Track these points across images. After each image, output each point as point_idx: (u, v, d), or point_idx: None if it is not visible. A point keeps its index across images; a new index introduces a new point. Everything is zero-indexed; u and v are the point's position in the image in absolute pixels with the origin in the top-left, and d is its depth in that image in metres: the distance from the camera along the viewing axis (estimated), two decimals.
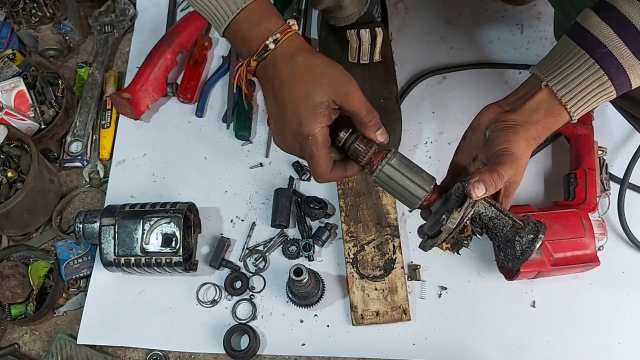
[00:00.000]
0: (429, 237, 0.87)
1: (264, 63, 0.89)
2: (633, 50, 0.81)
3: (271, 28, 0.87)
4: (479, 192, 0.80)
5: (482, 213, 0.84)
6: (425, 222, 0.91)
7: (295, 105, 0.86)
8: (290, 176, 1.29)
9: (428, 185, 0.85)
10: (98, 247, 1.17)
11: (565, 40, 0.86)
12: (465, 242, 0.85)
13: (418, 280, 1.20)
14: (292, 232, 1.25)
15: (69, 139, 1.35)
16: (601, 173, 1.22)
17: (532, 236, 0.82)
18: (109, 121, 1.37)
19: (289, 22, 0.89)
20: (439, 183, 0.91)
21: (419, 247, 0.88)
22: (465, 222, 0.82)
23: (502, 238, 0.84)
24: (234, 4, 0.87)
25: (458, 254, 0.97)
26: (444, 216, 0.82)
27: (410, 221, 1.25)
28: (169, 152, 1.34)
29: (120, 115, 1.37)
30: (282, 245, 1.24)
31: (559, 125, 0.87)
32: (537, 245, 0.82)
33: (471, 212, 0.82)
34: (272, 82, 0.89)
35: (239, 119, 1.33)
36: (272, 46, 0.87)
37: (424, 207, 0.88)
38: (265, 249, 1.24)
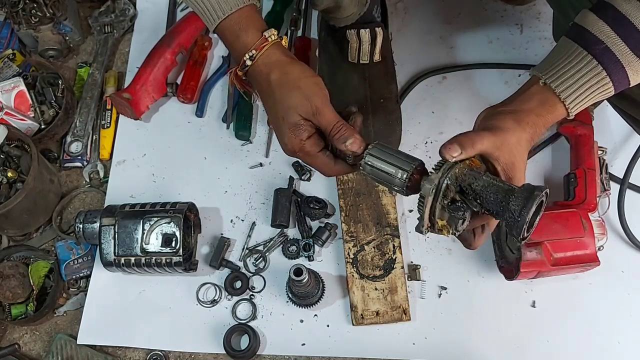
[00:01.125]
0: (420, 219, 0.83)
1: (249, 74, 0.93)
2: (631, 46, 0.81)
3: (248, 43, 0.90)
4: (452, 152, 0.79)
5: (473, 184, 0.80)
6: None
7: (276, 124, 0.92)
8: (290, 176, 1.29)
9: (409, 166, 0.84)
10: (98, 247, 1.17)
11: (564, 40, 0.86)
12: (459, 216, 0.80)
13: (418, 280, 1.20)
14: (292, 232, 1.25)
15: (69, 139, 1.35)
16: (601, 173, 1.22)
17: (527, 194, 0.76)
18: (109, 121, 1.37)
19: (264, 35, 0.90)
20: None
21: (415, 229, 0.85)
22: (448, 185, 0.79)
23: (496, 203, 0.78)
24: (220, 9, 0.89)
25: (455, 234, 0.84)
26: (423, 183, 0.80)
27: (410, 221, 1.25)
28: (169, 152, 1.34)
29: (120, 115, 1.37)
30: (282, 245, 1.24)
31: (556, 118, 0.86)
32: (535, 204, 0.75)
33: (450, 174, 0.79)
34: (259, 93, 0.94)
35: (239, 119, 1.33)
36: (249, 63, 0.90)
37: (412, 188, 0.85)
38: (265, 249, 1.24)
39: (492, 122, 0.85)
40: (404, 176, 0.84)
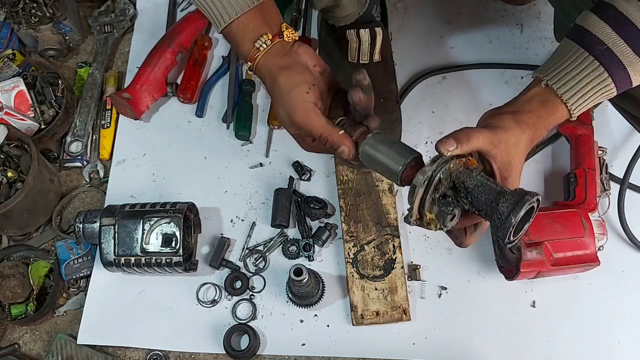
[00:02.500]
0: (410, 210, 0.83)
1: (256, 67, 0.92)
2: (633, 47, 0.81)
3: (245, 53, 0.90)
4: (448, 146, 0.78)
5: (466, 181, 0.79)
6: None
7: (283, 122, 0.92)
8: (290, 176, 1.29)
9: (405, 159, 0.83)
10: (98, 247, 1.17)
11: (565, 42, 0.86)
12: (448, 211, 0.79)
13: (418, 280, 1.20)
14: (292, 232, 1.25)
15: (69, 139, 1.35)
16: (601, 173, 1.22)
17: (517, 198, 0.75)
18: (109, 121, 1.37)
19: (255, 46, 0.89)
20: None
21: (403, 219, 0.85)
22: (441, 179, 0.79)
23: (486, 203, 0.78)
24: (227, 13, 0.88)
25: (442, 229, 0.83)
26: (417, 176, 0.79)
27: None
28: (169, 152, 1.34)
29: (120, 115, 1.37)
30: (282, 245, 1.24)
31: (558, 119, 0.86)
32: (524, 209, 0.74)
33: (444, 168, 0.78)
34: (265, 83, 0.94)
35: (239, 119, 1.33)
36: (250, 72, 0.93)
37: (407, 180, 0.85)
38: (265, 249, 1.24)
39: (491, 121, 0.85)
40: (398, 169, 0.83)
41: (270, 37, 0.89)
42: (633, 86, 0.85)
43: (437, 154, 0.81)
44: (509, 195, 0.76)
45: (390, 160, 0.84)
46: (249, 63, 0.91)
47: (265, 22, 0.89)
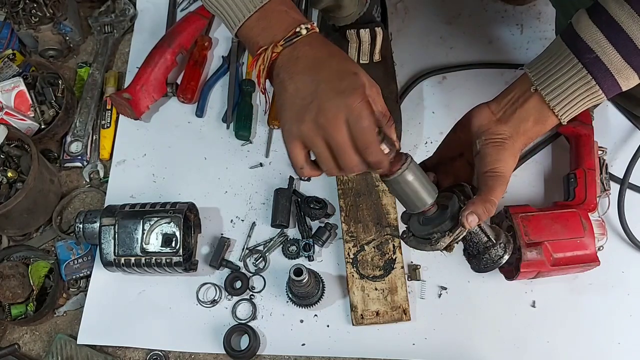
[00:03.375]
0: (414, 236, 0.92)
1: (290, 49, 0.83)
2: (622, 54, 0.81)
3: (300, 19, 0.84)
4: (472, 223, 0.85)
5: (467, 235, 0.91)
6: (407, 213, 0.94)
7: (320, 88, 0.79)
8: (290, 176, 1.29)
9: (431, 198, 0.87)
10: (98, 247, 1.17)
11: (558, 42, 0.87)
12: (444, 251, 0.90)
13: (418, 280, 1.20)
14: (292, 232, 1.25)
15: (69, 139, 1.35)
16: (601, 173, 1.21)
17: (498, 256, 0.91)
18: (109, 121, 1.37)
19: (296, 30, 0.83)
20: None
21: (400, 237, 0.94)
22: (453, 245, 0.88)
23: (473, 250, 0.92)
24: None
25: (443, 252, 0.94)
26: (435, 235, 0.87)
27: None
28: (169, 152, 1.34)
29: (120, 115, 1.37)
30: (282, 245, 1.24)
31: (547, 130, 0.90)
32: (500, 264, 0.92)
33: (461, 237, 0.88)
34: (304, 60, 0.82)
35: (239, 119, 1.33)
36: (304, 32, 0.82)
37: (425, 212, 0.89)
38: (265, 249, 1.24)
39: (496, 164, 0.88)
40: (425, 205, 0.87)
41: (310, 25, 0.83)
42: (623, 91, 0.85)
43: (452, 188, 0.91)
44: (493, 250, 0.92)
45: (418, 194, 0.86)
46: (308, 25, 0.82)
47: (295, 11, 0.85)
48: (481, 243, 0.91)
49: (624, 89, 0.85)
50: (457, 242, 0.89)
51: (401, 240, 1.19)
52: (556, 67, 0.85)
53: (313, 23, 0.85)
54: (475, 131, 0.91)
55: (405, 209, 0.91)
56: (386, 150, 0.81)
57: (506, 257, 0.91)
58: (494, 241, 0.91)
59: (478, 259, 0.93)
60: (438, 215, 0.89)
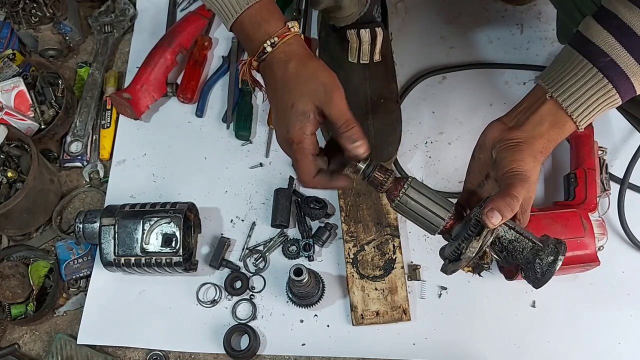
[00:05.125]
0: (450, 261, 0.87)
1: (263, 64, 0.91)
2: (636, 57, 0.81)
3: (270, 31, 0.88)
4: (494, 220, 0.80)
5: (502, 237, 0.84)
6: (446, 243, 0.91)
7: (283, 112, 0.89)
8: (290, 176, 1.28)
9: (445, 214, 0.85)
10: (98, 247, 1.17)
11: (568, 50, 0.86)
12: (485, 265, 0.87)
13: (418, 280, 1.20)
14: (292, 232, 1.25)
15: (69, 139, 1.35)
16: (601, 173, 1.21)
17: (552, 258, 0.82)
18: (109, 121, 1.37)
19: (288, 25, 0.89)
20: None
21: (441, 270, 0.88)
22: (485, 249, 0.82)
23: (522, 260, 0.84)
24: (238, 3, 0.88)
25: (480, 275, 1.04)
26: (463, 244, 0.82)
27: (410, 221, 1.24)
28: (169, 152, 1.34)
29: (120, 115, 1.37)
30: (282, 245, 1.24)
31: (565, 135, 0.87)
32: (558, 266, 0.82)
33: (490, 240, 0.82)
34: (270, 84, 0.92)
35: (239, 119, 1.33)
36: (269, 49, 0.89)
37: (444, 232, 0.88)
38: (265, 249, 1.24)
39: (513, 164, 0.84)
40: (441, 223, 0.85)
41: (297, 25, 0.90)
42: (637, 94, 0.85)
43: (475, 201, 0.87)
44: (544, 255, 0.82)
45: (430, 213, 0.85)
46: (275, 39, 0.88)
47: (267, 22, 0.90)
48: (527, 248, 0.83)
49: (638, 92, 0.84)
50: (489, 247, 0.83)
51: (400, 240, 1.20)
52: (570, 73, 0.84)
53: (288, 29, 0.89)
54: (490, 145, 0.89)
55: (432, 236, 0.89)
56: (352, 176, 0.88)
57: (560, 261, 0.82)
58: (541, 244, 0.83)
59: (531, 269, 0.84)
60: (463, 227, 0.86)
